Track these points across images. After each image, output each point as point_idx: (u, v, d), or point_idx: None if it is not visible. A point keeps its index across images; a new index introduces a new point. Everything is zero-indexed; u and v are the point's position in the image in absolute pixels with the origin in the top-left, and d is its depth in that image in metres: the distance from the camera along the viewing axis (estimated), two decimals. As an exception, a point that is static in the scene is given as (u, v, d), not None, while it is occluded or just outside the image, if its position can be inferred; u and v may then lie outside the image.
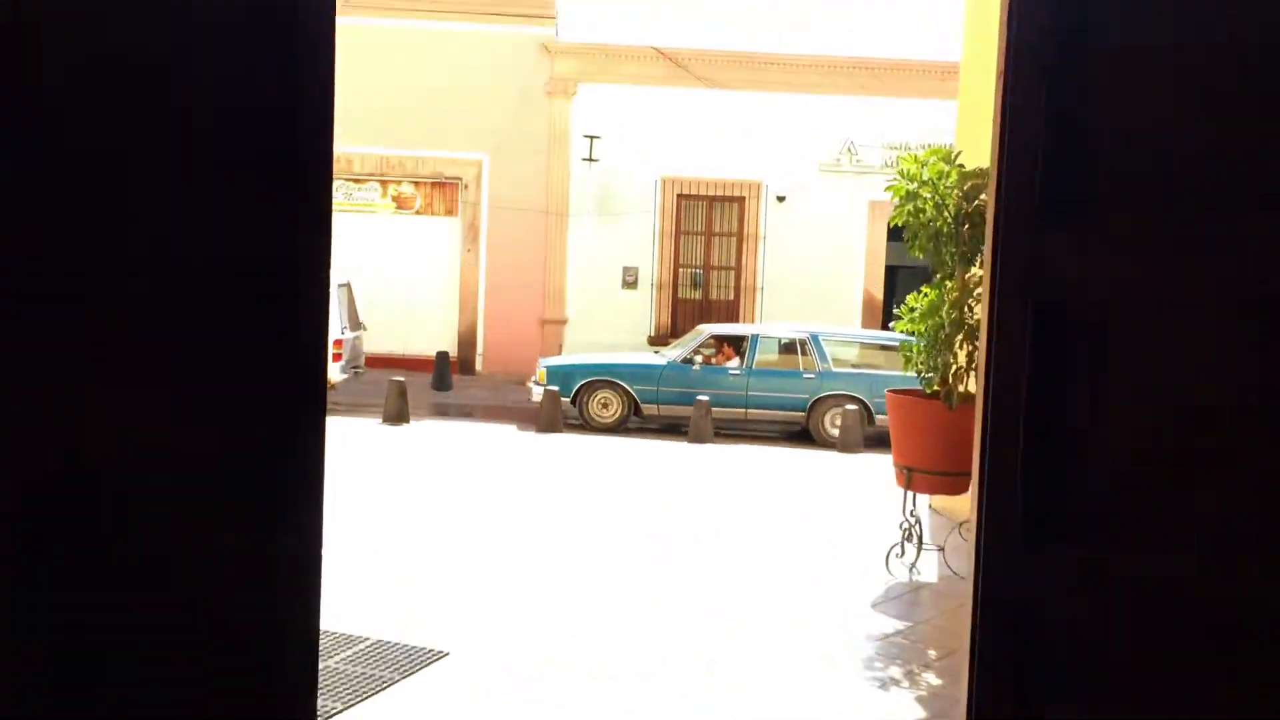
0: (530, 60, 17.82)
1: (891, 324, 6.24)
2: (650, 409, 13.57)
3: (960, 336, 5.57)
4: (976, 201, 5.53)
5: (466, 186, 18.02)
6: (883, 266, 18.19)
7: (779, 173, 17.88)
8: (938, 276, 5.75)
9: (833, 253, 18.06)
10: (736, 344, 14.15)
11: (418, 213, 18.26)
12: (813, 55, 17.64)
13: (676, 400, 13.54)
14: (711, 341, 14.23)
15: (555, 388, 13.24)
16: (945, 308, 5.57)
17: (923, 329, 5.67)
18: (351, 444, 10.29)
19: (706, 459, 11.47)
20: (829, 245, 18.04)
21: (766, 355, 14.01)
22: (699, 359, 13.83)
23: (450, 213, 18.25)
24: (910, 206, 5.64)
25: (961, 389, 5.58)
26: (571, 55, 17.81)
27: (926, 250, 5.67)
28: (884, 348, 14.03)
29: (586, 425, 13.48)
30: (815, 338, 13.88)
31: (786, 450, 12.64)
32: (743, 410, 13.69)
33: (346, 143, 16.48)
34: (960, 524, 6.05)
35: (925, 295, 5.78)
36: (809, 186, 17.84)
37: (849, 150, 17.88)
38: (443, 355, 16.52)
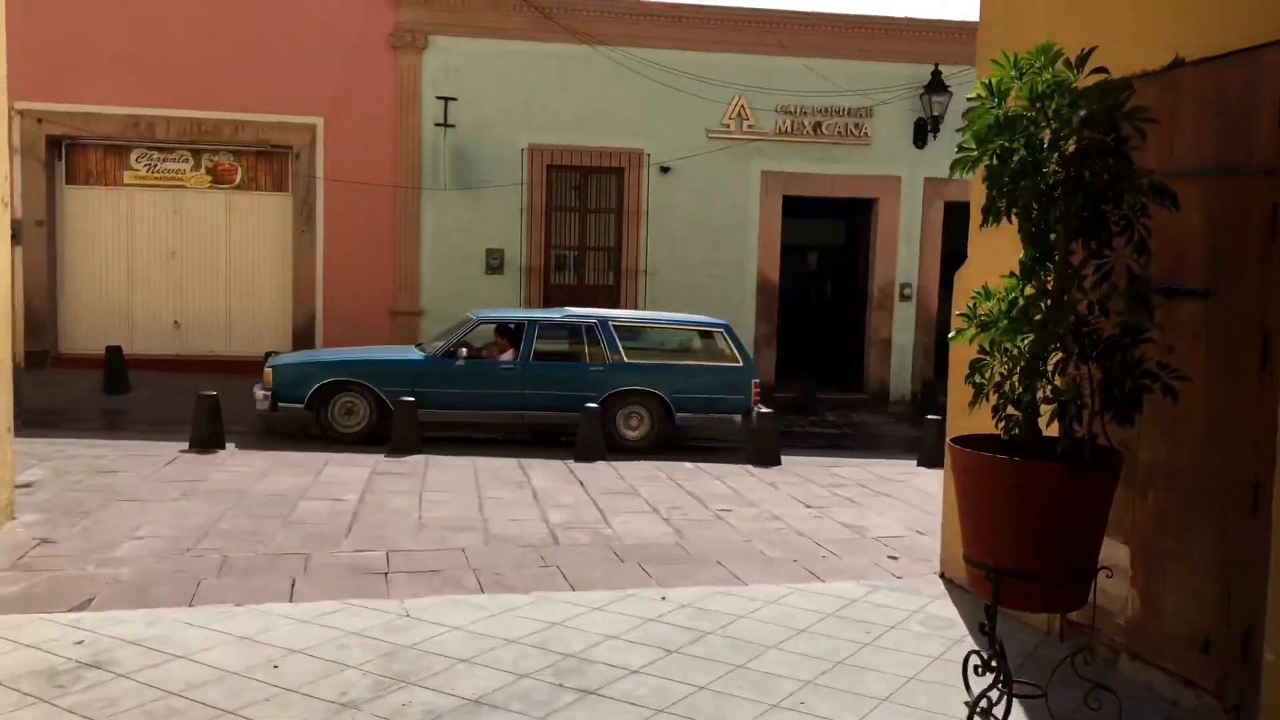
0: (370, 5, 15.16)
1: (952, 335, 4.08)
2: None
3: (1073, 355, 3.48)
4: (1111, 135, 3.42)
5: (298, 156, 15.26)
6: (778, 244, 16.33)
7: (662, 140, 15.79)
8: (1026, 256, 3.64)
9: (724, 230, 16.10)
10: (513, 333, 12.01)
11: (239, 187, 15.39)
12: (698, 5, 15.57)
13: (438, 403, 11.37)
14: (483, 331, 12.10)
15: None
16: (1052, 308, 3.48)
17: (1016, 341, 3.55)
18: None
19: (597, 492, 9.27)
20: (719, 221, 16.07)
21: (547, 346, 11.99)
22: (464, 352, 11.64)
23: (280, 187, 15.45)
24: (999, 143, 3.47)
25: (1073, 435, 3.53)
26: (420, 1, 15.24)
27: (1023, 219, 3.50)
28: (692, 331, 12.55)
29: (326, 436, 11.30)
30: (604, 323, 11.97)
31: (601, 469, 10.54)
32: (519, 413, 11.70)
33: (147, 102, 13.57)
34: (1076, 652, 4.02)
35: (1011, 288, 3.64)
36: (696, 155, 15.80)
37: (740, 114, 15.91)
38: (114, 350, 13.87)
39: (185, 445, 10.13)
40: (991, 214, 3.54)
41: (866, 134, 16.08)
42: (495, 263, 15.64)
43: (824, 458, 12.21)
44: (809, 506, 8.69)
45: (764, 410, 11.23)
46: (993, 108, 3.46)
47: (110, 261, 15.19)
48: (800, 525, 7.85)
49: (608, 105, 15.60)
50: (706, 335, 12.47)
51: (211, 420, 10.19)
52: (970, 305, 3.75)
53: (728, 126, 15.86)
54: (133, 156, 15.03)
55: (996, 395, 3.67)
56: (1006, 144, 3.40)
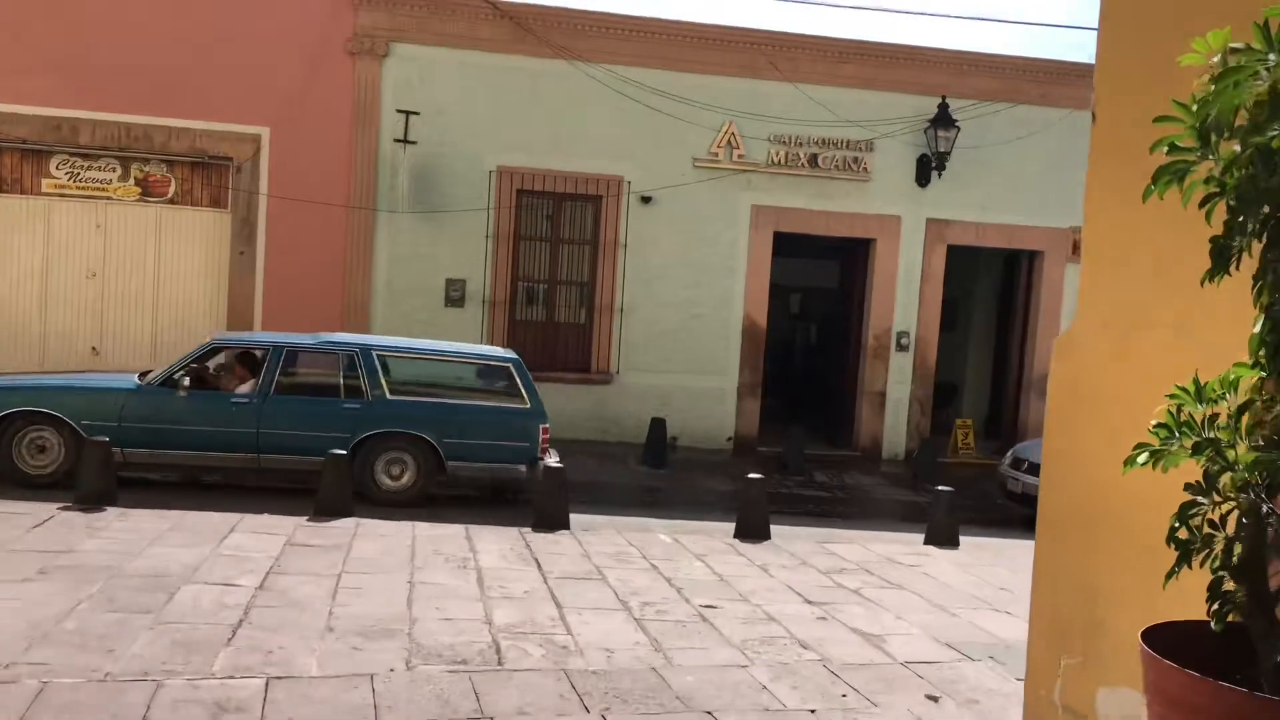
0: (326, 6, 13.74)
1: (1139, 458, 2.49)
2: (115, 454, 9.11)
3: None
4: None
5: (239, 169, 13.75)
6: (767, 285, 14.94)
7: (644, 168, 14.41)
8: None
9: (708, 267, 14.70)
10: (257, 362, 10.25)
11: (172, 201, 13.85)
12: (688, 23, 14.27)
13: (149, 441, 9.65)
14: (217, 357, 10.40)
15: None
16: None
17: (1257, 475, 2.07)
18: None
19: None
20: (704, 258, 14.68)
21: (295, 378, 10.23)
22: (186, 381, 9.83)
23: (217, 203, 13.92)
24: (1272, 134, 1.96)
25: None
26: (382, 4, 13.84)
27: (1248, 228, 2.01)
28: (473, 365, 10.66)
29: (9, 478, 9.54)
30: (365, 352, 10.15)
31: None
32: (252, 455, 9.91)
33: (70, 104, 12.06)
34: None
35: (1250, 386, 2.12)
36: (681, 185, 14.42)
37: (730, 142, 14.57)
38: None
39: (69, 501, 8.52)
40: (1233, 254, 2.08)
41: (866, 169, 14.80)
42: (456, 294, 14.15)
43: (816, 528, 10.76)
44: (810, 603, 7.21)
45: (754, 475, 9.75)
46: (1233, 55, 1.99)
47: (22, 279, 13.58)
48: (805, 634, 6.36)
49: (586, 127, 14.23)
50: (491, 371, 10.60)
51: (101, 469, 8.60)
52: (1173, 411, 2.25)
53: (716, 155, 14.51)
54: (52, 163, 13.47)
55: (1205, 557, 2.21)
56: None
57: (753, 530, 9.43)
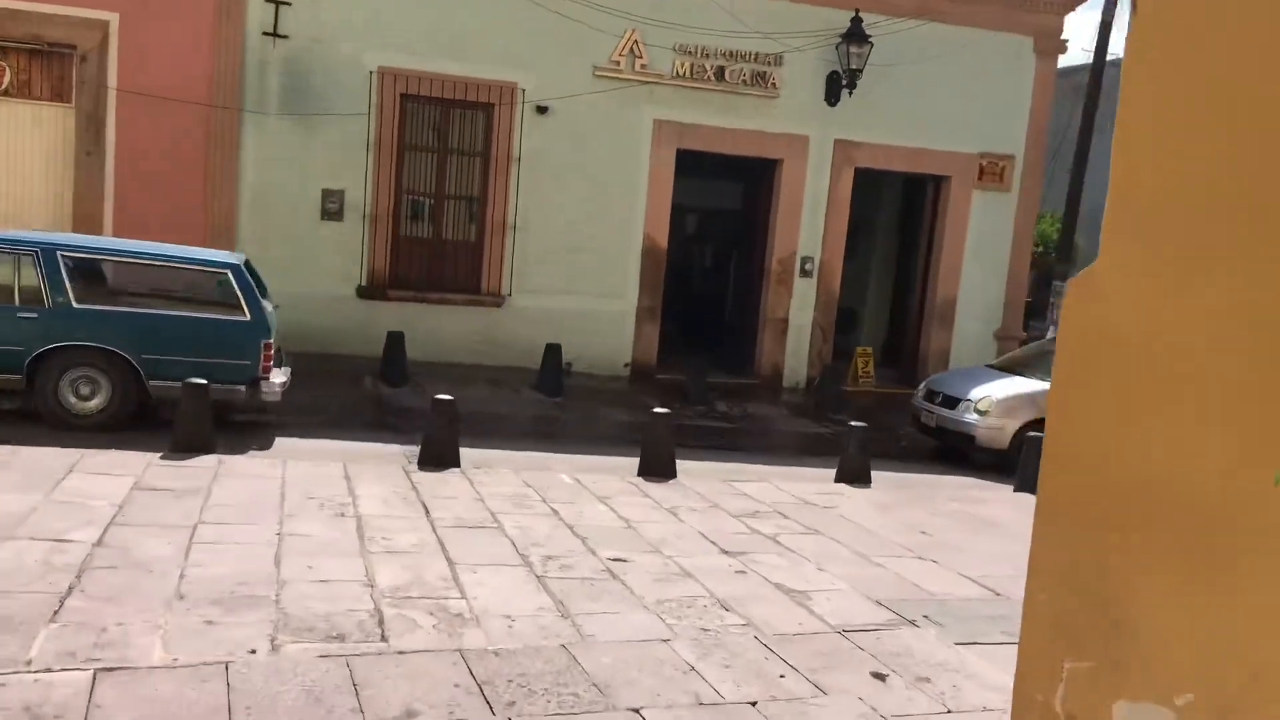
0: (183, -126, 12.19)
1: None
2: None
3: None
4: None
5: (85, 59, 12.22)
6: (669, 205, 14.18)
7: (541, 75, 13.39)
8: None
9: (608, 184, 13.85)
10: None
11: (7, 94, 12.25)
12: (590, -83, 13.17)
13: None
14: None
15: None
16: None
17: None
18: None
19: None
20: (604, 174, 13.81)
21: None
22: None
23: (59, 97, 12.38)
24: None
25: None
26: (249, -123, 12.35)
27: None
28: (185, 271, 9.17)
29: None
30: (48, 252, 8.65)
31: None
32: None
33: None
34: None
35: None
36: (579, 95, 13.46)
37: (633, 51, 13.62)
38: None
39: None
40: None
41: (774, 84, 14.04)
42: (333, 206, 12.98)
43: (722, 463, 10.23)
44: (726, 553, 6.63)
45: (660, 410, 9.09)
46: None
47: None
48: (726, 592, 5.77)
49: (478, 27, 13.08)
50: (205, 278, 9.16)
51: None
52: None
53: (618, 64, 13.55)
54: None
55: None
56: None
57: (658, 469, 8.80)
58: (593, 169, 13.71)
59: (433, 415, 8.44)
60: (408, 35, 12.97)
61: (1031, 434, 10.98)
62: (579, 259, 13.78)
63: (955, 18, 14.39)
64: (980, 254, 15.28)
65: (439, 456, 8.31)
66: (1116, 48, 16.09)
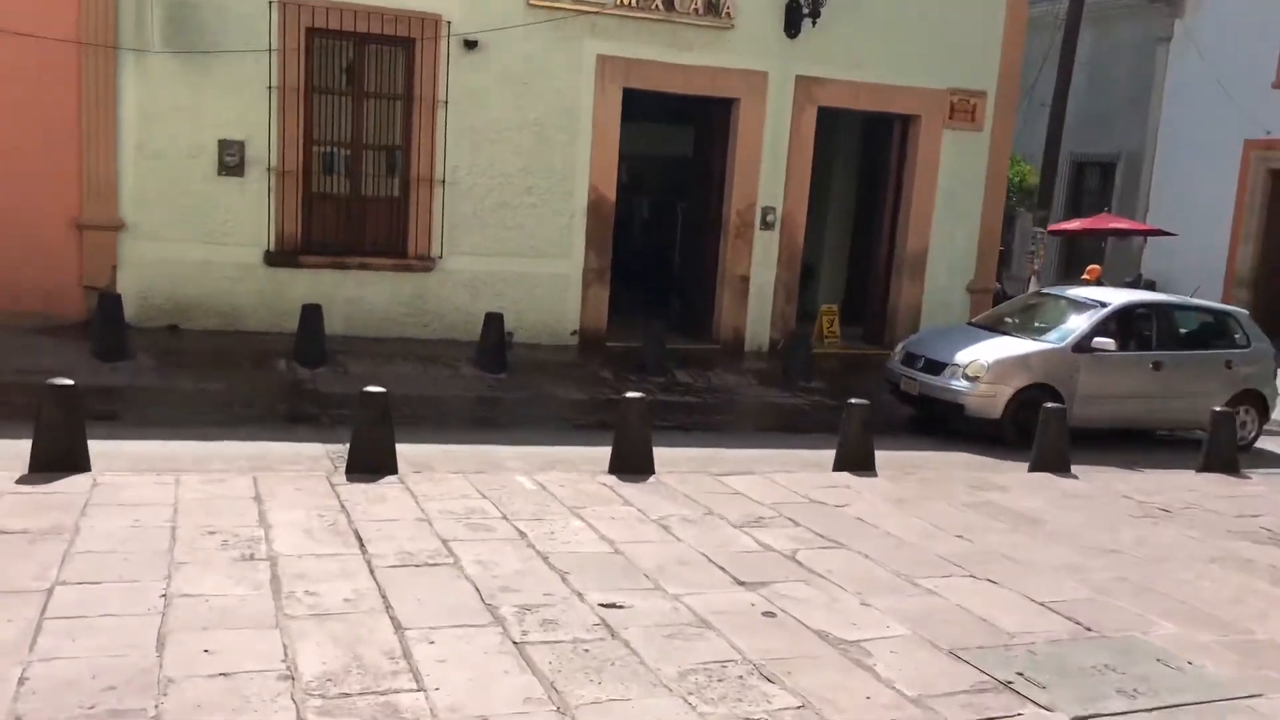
0: None
1: None
2: None
3: None
4: None
5: (-80, -13, 10.22)
6: (616, 152, 12.68)
7: (468, 4, 11.72)
8: None
9: (548, 130, 12.29)
10: None
11: None
12: None
13: None
14: None
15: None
16: None
17: None
18: None
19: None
20: (542, 118, 12.24)
21: None
22: None
23: (-109, 33, 10.37)
24: None
25: None
26: None
27: None
28: None
29: None
30: None
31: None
32: None
33: None
34: None
35: None
36: (512, 28, 11.83)
37: (572, -24, 12.02)
38: None
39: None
40: None
41: (729, 14, 12.56)
42: (232, 159, 11.20)
43: (698, 448, 8.94)
44: (743, 584, 5.31)
45: (633, 395, 7.68)
46: None
47: None
48: (760, 650, 4.45)
49: (394, -50, 11.36)
50: None
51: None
52: None
53: (556, -8, 11.96)
54: None
55: None
56: None
57: (633, 463, 7.44)
58: (530, 112, 12.13)
59: (362, 409, 6.92)
60: (312, -41, 11.19)
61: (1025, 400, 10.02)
62: (518, 215, 12.24)
63: (923, -62, 13.05)
64: (951, 199, 14.10)
65: (371, 461, 6.83)
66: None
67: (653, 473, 7.43)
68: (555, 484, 6.93)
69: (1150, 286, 18.91)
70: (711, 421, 10.48)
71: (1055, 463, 8.72)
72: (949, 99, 13.85)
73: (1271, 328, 18.15)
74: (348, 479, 6.62)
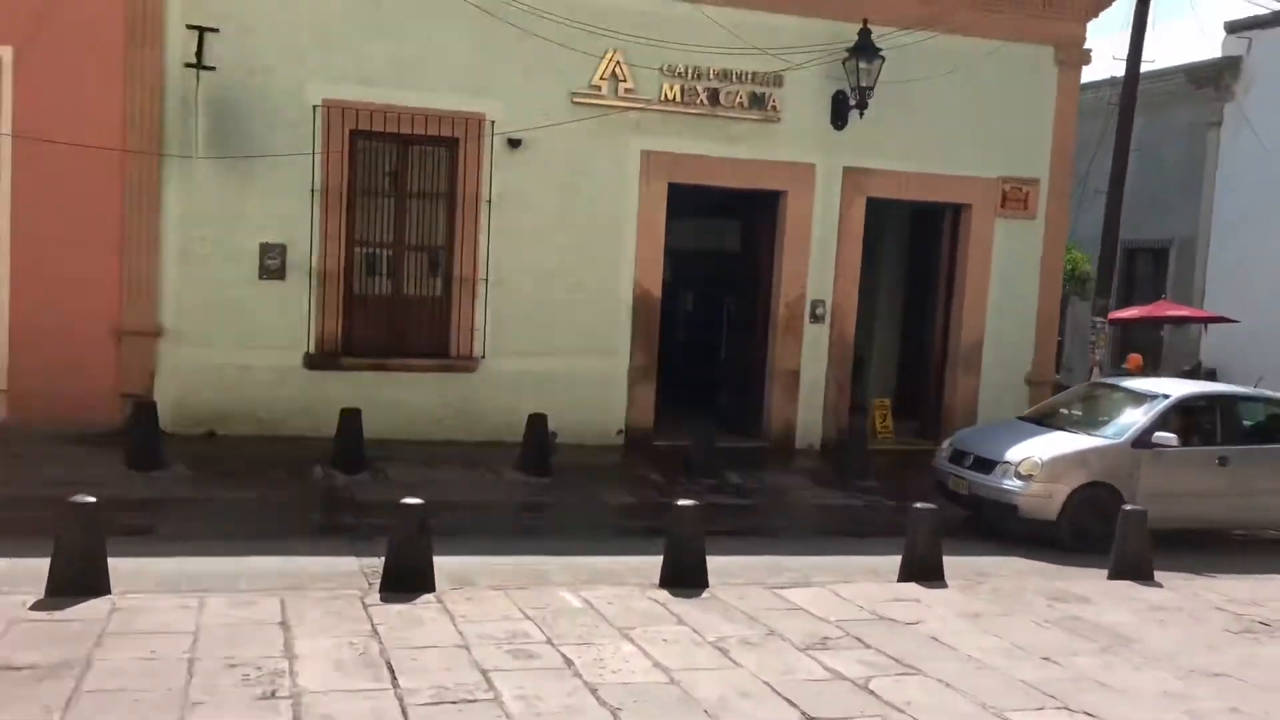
0: (82, -121, 10.41)
1: None
2: None
3: None
4: None
5: (-29, 99, 10.33)
6: (662, 248, 12.45)
7: (512, 104, 11.67)
8: None
9: (592, 227, 12.11)
10: None
11: (-124, 142, 10.31)
12: (562, -77, 11.52)
13: None
14: None
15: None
16: None
17: None
18: None
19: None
20: (586, 216, 12.07)
21: None
22: None
23: (-57, 145, 10.46)
24: None
25: None
26: (162, -117, 10.58)
27: None
28: None
29: None
30: None
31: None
32: None
33: None
34: None
35: None
36: (557, 126, 11.73)
37: (615, 74, 11.95)
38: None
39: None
40: None
41: (775, 107, 12.41)
42: (274, 263, 11.09)
43: (753, 556, 8.42)
44: (813, 720, 4.80)
45: (686, 502, 7.23)
46: None
47: None
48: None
49: (438, 51, 11.36)
50: None
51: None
52: None
53: (598, 89, 11.85)
54: None
55: None
56: None
57: (686, 576, 6.98)
58: (574, 210, 11.96)
59: (398, 524, 6.54)
60: (357, 63, 11.21)
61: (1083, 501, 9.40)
62: (562, 314, 11.98)
63: (969, 28, 12.86)
64: (1006, 290, 13.66)
65: (407, 578, 6.43)
66: (1152, 54, 14.75)
67: (706, 586, 6.95)
68: (603, 601, 6.48)
69: (1210, 376, 18.22)
70: (765, 526, 9.99)
71: (1137, 570, 8.11)
72: (1001, 187, 13.51)
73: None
74: (382, 598, 6.21)
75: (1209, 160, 20.31)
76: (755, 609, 6.52)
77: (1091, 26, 13.83)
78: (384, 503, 8.34)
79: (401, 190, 11.77)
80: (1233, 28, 19.46)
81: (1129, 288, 21.89)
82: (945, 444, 10.87)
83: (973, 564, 8.41)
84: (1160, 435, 9.64)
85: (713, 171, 12.45)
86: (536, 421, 10.81)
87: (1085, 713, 5.11)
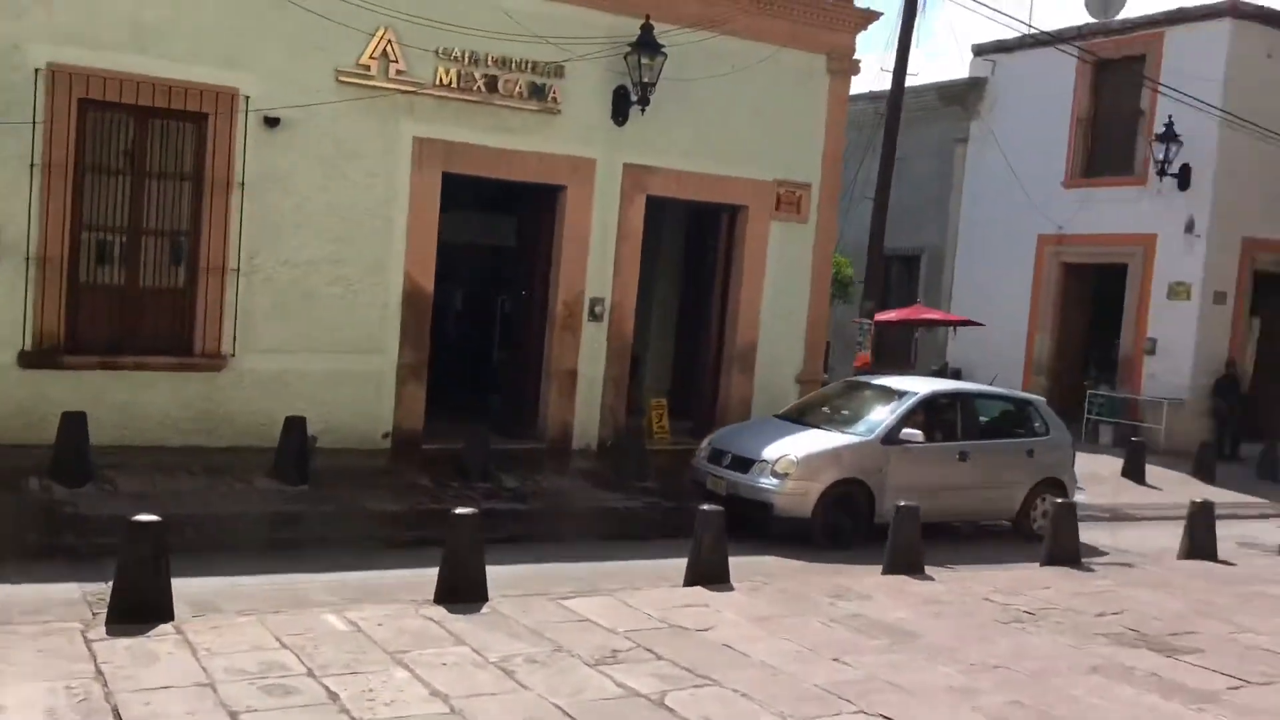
0: None
1: None
2: None
3: None
4: None
5: None
6: (435, 241, 11.79)
7: (270, 79, 10.70)
8: None
9: (358, 216, 11.30)
10: None
11: None
12: (326, -113, 10.66)
13: None
14: None
15: None
16: None
17: None
18: None
19: None
20: (352, 203, 11.25)
21: None
22: None
23: None
24: None
25: None
26: None
27: None
28: None
29: None
30: None
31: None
32: None
33: None
34: None
35: None
36: (320, 105, 10.87)
37: (386, 53, 11.20)
38: None
39: None
40: None
41: (555, 99, 12.00)
42: (-16, 246, 9.67)
43: (535, 564, 8.03)
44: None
45: (463, 511, 6.68)
46: None
47: None
48: None
49: (185, 15, 10.23)
50: None
51: None
52: None
53: (368, 69, 11.04)
54: None
55: None
56: None
57: (464, 590, 6.46)
58: (339, 197, 11.12)
59: (128, 543, 5.66)
60: (89, 22, 9.94)
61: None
62: (324, 308, 11.11)
63: (748, 31, 12.93)
64: (779, 292, 13.85)
65: (139, 606, 5.58)
66: (917, 68, 15.34)
67: (486, 599, 6.46)
68: (372, 622, 5.86)
69: (956, 375, 19.37)
70: (545, 531, 9.56)
71: (910, 564, 8.25)
72: (776, 190, 13.68)
73: (1067, 414, 18.97)
74: (109, 631, 5.35)
75: (956, 174, 21.63)
76: (540, 623, 6.08)
77: (860, 39, 14.27)
78: (112, 519, 7.30)
79: (140, 169, 10.54)
80: (979, 50, 20.78)
81: (885, 292, 22.98)
82: (704, 443, 10.80)
83: (750, 563, 8.31)
84: (907, 431, 9.92)
85: (490, 163, 11.91)
86: (293, 424, 9.93)
87: (881, 715, 4.97)
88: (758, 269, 13.72)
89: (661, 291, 15.50)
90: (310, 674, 4.98)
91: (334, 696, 4.72)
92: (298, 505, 9.29)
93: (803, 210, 13.87)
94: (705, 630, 6.18)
